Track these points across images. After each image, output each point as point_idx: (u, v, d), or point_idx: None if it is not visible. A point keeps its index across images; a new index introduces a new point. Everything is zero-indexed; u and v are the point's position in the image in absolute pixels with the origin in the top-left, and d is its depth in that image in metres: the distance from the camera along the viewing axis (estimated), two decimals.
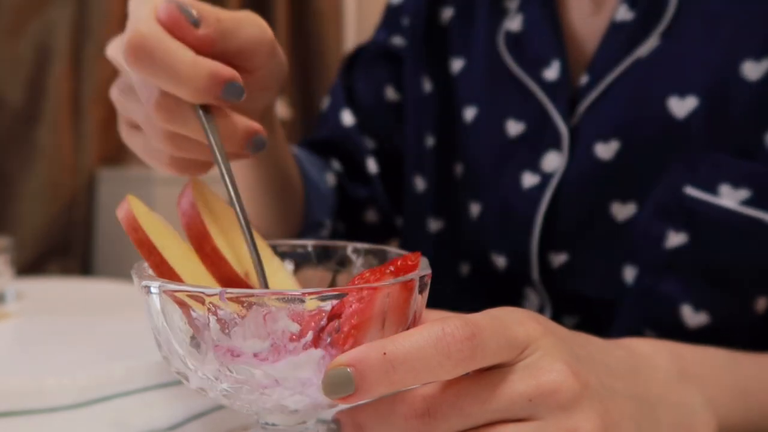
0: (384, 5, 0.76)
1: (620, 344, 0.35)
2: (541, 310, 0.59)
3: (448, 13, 0.66)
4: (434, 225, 0.67)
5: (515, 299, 0.60)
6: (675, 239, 0.50)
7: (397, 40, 0.71)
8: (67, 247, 2.02)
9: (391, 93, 0.70)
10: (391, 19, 0.72)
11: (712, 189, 0.48)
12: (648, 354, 0.36)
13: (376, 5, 2.62)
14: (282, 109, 2.41)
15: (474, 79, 0.63)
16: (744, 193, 0.47)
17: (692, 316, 0.50)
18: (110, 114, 2.08)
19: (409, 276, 0.30)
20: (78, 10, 1.98)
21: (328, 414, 0.39)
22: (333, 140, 0.72)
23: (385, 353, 0.26)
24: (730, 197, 0.48)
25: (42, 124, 1.93)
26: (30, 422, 0.41)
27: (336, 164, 0.72)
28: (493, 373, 0.29)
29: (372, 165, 0.71)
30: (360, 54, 0.74)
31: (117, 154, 2.13)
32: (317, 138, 0.73)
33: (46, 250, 1.97)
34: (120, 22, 2.10)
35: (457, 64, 0.65)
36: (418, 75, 0.67)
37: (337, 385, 0.26)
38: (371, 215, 0.72)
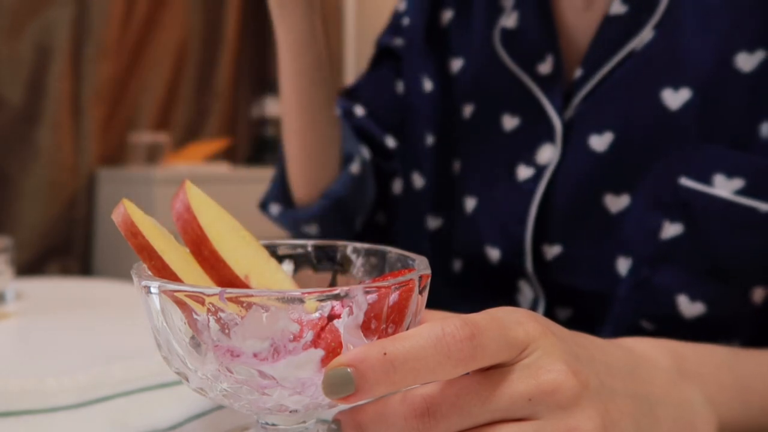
0: (384, 7, 0.77)
1: (620, 343, 0.35)
2: (535, 303, 0.59)
3: (448, 14, 0.67)
4: (433, 223, 0.67)
5: (509, 292, 0.60)
6: (670, 230, 0.50)
7: (398, 41, 0.72)
8: (67, 247, 2.02)
9: (400, 87, 0.72)
10: (394, 23, 0.74)
11: (707, 179, 0.48)
12: (648, 353, 0.36)
13: (376, 5, 2.63)
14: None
15: (472, 77, 0.64)
16: (738, 183, 0.48)
17: (689, 307, 0.50)
18: (110, 114, 2.09)
19: (408, 276, 0.30)
20: (78, 10, 1.98)
21: (328, 414, 0.39)
22: (354, 128, 0.73)
23: (385, 353, 0.26)
24: (724, 187, 0.48)
25: (42, 124, 1.93)
26: (30, 422, 0.42)
27: (364, 150, 0.74)
28: (493, 372, 0.29)
29: (390, 141, 0.72)
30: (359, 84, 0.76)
31: (117, 154, 2.14)
32: None
33: (46, 250, 1.97)
34: (120, 22, 2.10)
35: (456, 64, 0.66)
36: (419, 74, 0.68)
37: (337, 385, 0.26)
38: (397, 187, 0.74)
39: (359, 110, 0.73)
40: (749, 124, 0.48)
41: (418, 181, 0.68)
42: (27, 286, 0.84)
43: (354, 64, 2.65)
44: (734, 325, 0.50)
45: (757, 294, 0.49)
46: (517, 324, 0.29)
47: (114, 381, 0.47)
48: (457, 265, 0.65)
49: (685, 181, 0.49)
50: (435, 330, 0.27)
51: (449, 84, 0.66)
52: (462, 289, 0.65)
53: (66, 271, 2.00)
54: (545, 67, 0.57)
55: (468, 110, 0.64)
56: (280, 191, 0.69)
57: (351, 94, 0.75)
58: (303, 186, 0.67)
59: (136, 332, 0.62)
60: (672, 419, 0.33)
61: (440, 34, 0.67)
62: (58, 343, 0.60)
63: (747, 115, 0.49)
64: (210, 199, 0.35)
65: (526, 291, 0.59)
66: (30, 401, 0.44)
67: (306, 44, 0.60)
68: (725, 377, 0.39)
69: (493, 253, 0.60)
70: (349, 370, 0.26)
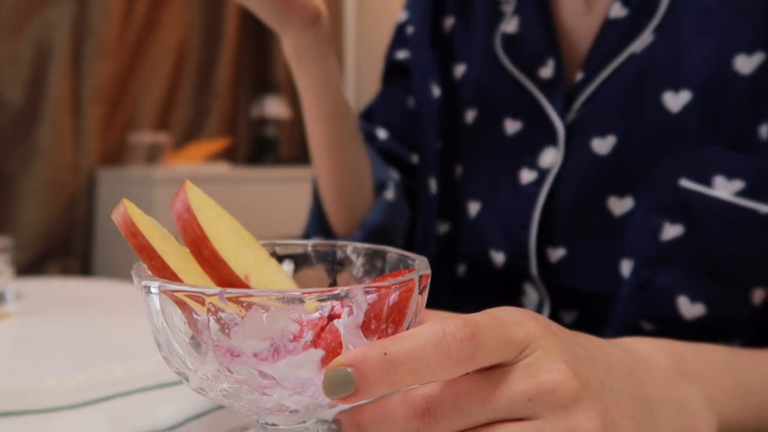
0: (384, 7, 0.78)
1: (620, 343, 0.35)
2: (540, 306, 0.59)
3: (450, 21, 0.68)
4: (441, 228, 0.68)
5: (514, 296, 0.61)
6: (671, 231, 0.50)
7: (403, 54, 0.73)
8: (67, 247, 2.02)
9: (411, 102, 0.73)
10: (398, 35, 0.75)
11: (707, 181, 0.49)
12: (647, 353, 0.36)
13: (376, 5, 2.62)
14: (282, 109, 2.41)
15: (474, 82, 0.64)
16: (738, 185, 0.48)
17: (689, 308, 0.50)
18: (110, 114, 2.09)
19: (408, 276, 0.30)
20: (78, 10, 1.98)
21: (328, 414, 0.39)
22: (382, 152, 0.74)
23: (385, 353, 0.26)
24: (724, 189, 0.48)
25: (42, 124, 1.93)
26: (30, 422, 0.42)
27: (394, 174, 0.75)
28: (493, 372, 0.29)
29: (416, 158, 0.73)
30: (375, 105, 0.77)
31: (117, 154, 2.14)
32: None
33: (46, 250, 1.97)
34: (120, 22, 2.10)
35: (459, 70, 0.66)
36: (427, 81, 0.69)
37: (337, 385, 0.26)
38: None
39: (381, 133, 0.74)
40: (749, 125, 0.49)
41: (433, 186, 0.68)
42: (27, 286, 0.84)
43: (354, 64, 2.65)
44: (734, 326, 0.51)
45: (757, 295, 0.49)
46: (517, 324, 0.29)
47: (114, 381, 0.47)
48: (462, 269, 0.65)
49: (685, 183, 0.50)
50: (435, 330, 0.27)
51: (453, 90, 0.67)
52: (467, 292, 0.65)
53: (66, 271, 2.00)
54: (546, 71, 0.58)
55: (471, 115, 0.64)
56: (320, 224, 0.70)
57: (369, 116, 0.76)
58: (340, 217, 0.68)
59: (136, 332, 0.62)
60: (671, 419, 0.33)
61: (444, 41, 0.68)
62: (58, 343, 0.60)
63: (746, 117, 0.49)
64: (210, 199, 0.35)
65: (531, 294, 0.59)
66: (30, 401, 0.44)
67: (325, 85, 0.62)
68: (725, 377, 0.39)
69: (498, 257, 0.60)
70: (349, 370, 0.26)
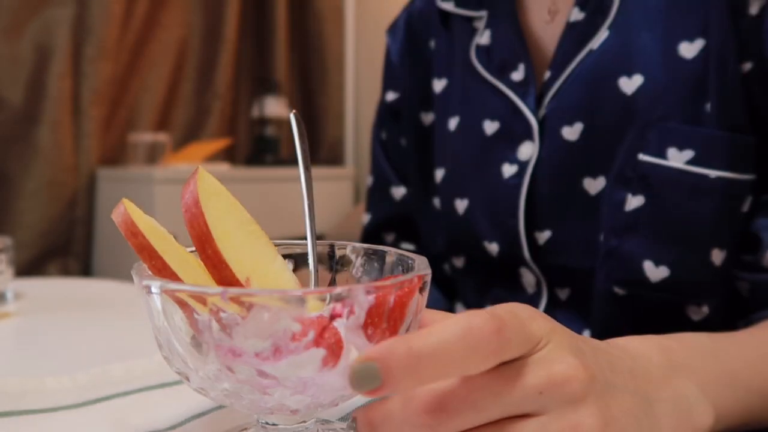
0: (384, 7, 0.79)
1: (614, 344, 0.36)
2: (537, 286, 0.63)
3: (432, 43, 0.74)
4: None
5: (513, 280, 0.64)
6: (633, 202, 0.55)
7: (390, 96, 0.79)
8: (67, 247, 2.02)
9: (404, 141, 0.77)
10: (387, 75, 0.80)
11: (661, 153, 0.54)
12: (640, 351, 0.37)
13: (376, 5, 2.63)
14: (282, 109, 2.41)
15: (454, 93, 0.70)
16: (688, 154, 0.53)
17: (654, 271, 0.55)
18: (110, 114, 2.09)
19: (409, 276, 0.30)
20: (78, 10, 1.98)
21: (329, 414, 0.39)
22: (391, 216, 0.79)
23: (411, 347, 0.26)
24: (676, 159, 0.54)
25: (42, 124, 1.93)
26: (30, 422, 0.42)
27: (389, 237, 0.79)
28: (505, 367, 0.29)
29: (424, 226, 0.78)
30: (381, 129, 0.81)
31: (117, 154, 2.14)
32: (380, 218, 0.80)
33: (46, 250, 1.97)
34: (120, 22, 2.10)
35: (439, 85, 0.72)
36: (418, 113, 0.74)
37: (363, 378, 0.26)
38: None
39: (399, 191, 0.78)
40: (696, 102, 0.54)
41: (437, 203, 0.72)
42: (27, 286, 0.84)
43: (354, 64, 2.65)
44: (699, 288, 0.54)
45: (716, 256, 0.54)
46: (531, 319, 0.30)
47: (114, 381, 0.47)
48: (460, 261, 0.69)
49: (643, 157, 0.55)
50: (462, 324, 0.27)
51: (434, 104, 0.72)
52: (469, 282, 0.69)
53: (66, 271, 2.00)
54: (518, 75, 0.64)
55: (453, 123, 0.69)
56: None
57: (385, 151, 0.80)
58: None
59: (136, 332, 0.62)
60: (670, 415, 0.34)
61: (426, 61, 0.74)
62: (58, 343, 0.60)
63: (693, 94, 0.54)
64: (222, 189, 0.35)
65: (528, 276, 0.64)
66: (30, 401, 0.44)
67: None
68: (712, 364, 0.40)
69: (492, 247, 0.65)
70: (375, 364, 0.26)
